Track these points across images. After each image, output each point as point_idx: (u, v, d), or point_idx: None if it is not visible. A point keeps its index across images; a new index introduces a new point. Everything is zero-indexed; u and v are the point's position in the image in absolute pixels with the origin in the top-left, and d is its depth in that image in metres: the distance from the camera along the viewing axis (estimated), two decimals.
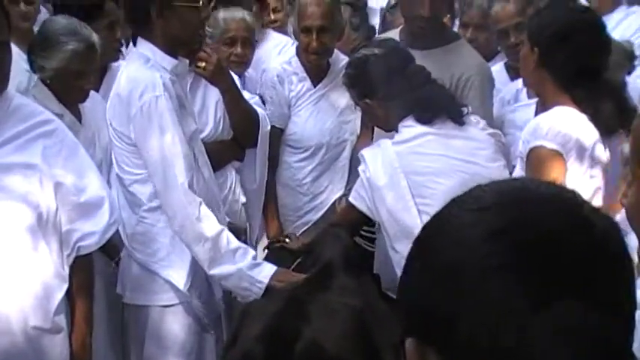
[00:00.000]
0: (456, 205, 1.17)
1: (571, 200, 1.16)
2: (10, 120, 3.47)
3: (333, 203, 4.97)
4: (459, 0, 5.68)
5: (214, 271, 3.81)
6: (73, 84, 4.26)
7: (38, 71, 4.30)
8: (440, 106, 4.06)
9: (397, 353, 1.36)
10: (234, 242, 3.84)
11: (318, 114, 5.06)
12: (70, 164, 3.53)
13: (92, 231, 3.57)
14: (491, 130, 4.17)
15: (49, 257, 3.46)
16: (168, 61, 3.87)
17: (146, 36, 3.88)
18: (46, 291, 3.44)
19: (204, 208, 3.79)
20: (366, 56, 4.16)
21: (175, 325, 3.95)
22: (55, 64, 4.24)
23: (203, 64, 4.47)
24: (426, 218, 1.21)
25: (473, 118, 4.12)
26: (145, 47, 3.88)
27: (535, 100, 4.19)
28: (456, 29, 5.58)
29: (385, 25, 6.21)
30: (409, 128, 4.04)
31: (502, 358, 1.08)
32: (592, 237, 1.12)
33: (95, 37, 4.28)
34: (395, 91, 4.03)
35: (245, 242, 4.25)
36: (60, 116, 3.90)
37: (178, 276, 3.90)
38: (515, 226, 1.11)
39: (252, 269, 3.80)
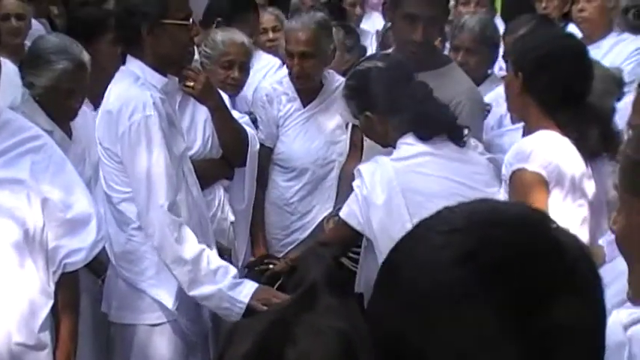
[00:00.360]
0: (425, 227, 1.15)
1: (539, 222, 1.15)
2: None
3: (321, 222, 4.95)
4: (450, 23, 5.70)
5: (194, 292, 3.81)
6: (63, 102, 4.26)
7: (28, 88, 4.29)
8: (441, 125, 3.97)
9: None
10: (215, 262, 3.83)
11: (306, 134, 5.06)
12: (58, 180, 3.51)
13: (79, 248, 3.54)
14: (489, 155, 4.14)
15: (35, 274, 3.44)
16: (157, 79, 3.88)
17: (136, 54, 3.89)
18: (31, 307, 3.42)
19: (184, 230, 3.78)
20: (368, 68, 4.04)
21: (162, 344, 3.93)
22: (45, 82, 4.23)
23: (192, 82, 4.47)
24: None
25: (472, 142, 4.06)
26: (134, 65, 3.89)
27: (521, 124, 4.19)
28: (446, 52, 5.59)
29: (384, 46, 6.21)
30: (408, 146, 3.95)
31: None
32: (560, 258, 1.11)
33: (85, 56, 4.28)
34: (396, 105, 3.94)
35: (230, 262, 4.24)
36: (49, 132, 3.88)
37: (167, 295, 3.88)
38: (482, 249, 1.10)
39: (232, 289, 3.79)
